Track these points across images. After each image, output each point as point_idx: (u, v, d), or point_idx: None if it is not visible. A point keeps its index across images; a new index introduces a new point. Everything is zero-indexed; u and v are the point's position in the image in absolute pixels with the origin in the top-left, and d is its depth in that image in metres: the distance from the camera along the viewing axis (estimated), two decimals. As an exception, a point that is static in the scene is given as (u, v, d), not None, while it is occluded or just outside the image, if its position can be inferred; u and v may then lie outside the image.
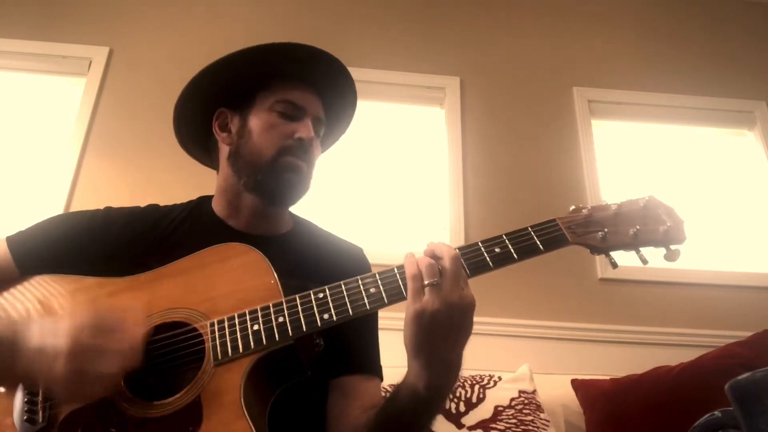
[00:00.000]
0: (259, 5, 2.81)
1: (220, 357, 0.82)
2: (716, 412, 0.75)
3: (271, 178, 1.06)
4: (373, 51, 2.71)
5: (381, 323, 1.12)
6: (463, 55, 2.79)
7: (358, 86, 1.21)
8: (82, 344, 0.74)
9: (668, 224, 0.85)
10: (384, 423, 0.89)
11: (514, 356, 2.01)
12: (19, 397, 0.84)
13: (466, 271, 0.81)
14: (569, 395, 1.89)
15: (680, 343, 2.16)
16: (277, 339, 0.82)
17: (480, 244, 0.85)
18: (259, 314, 0.84)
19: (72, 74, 2.59)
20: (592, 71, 2.80)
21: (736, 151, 2.77)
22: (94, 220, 1.08)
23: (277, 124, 1.08)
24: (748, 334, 1.82)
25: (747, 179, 2.68)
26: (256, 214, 1.11)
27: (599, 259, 2.29)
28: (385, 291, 0.83)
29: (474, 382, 1.81)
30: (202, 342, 0.84)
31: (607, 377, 1.89)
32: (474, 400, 1.75)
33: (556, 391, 1.91)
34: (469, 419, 1.69)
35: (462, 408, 1.72)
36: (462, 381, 1.80)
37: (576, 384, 1.90)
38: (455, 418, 1.69)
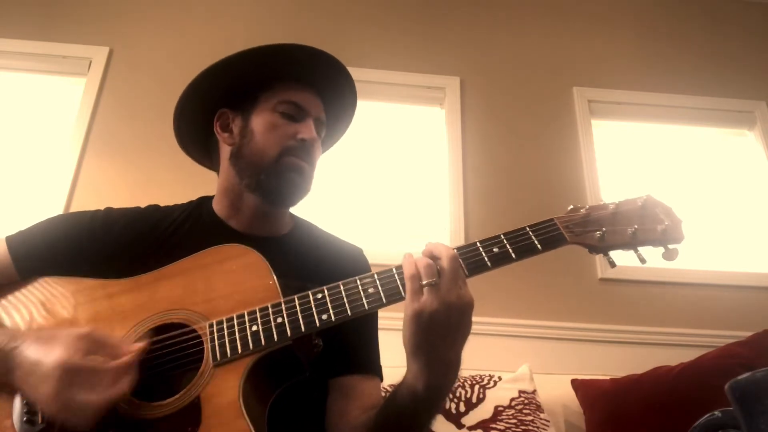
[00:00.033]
0: (259, 5, 2.81)
1: (219, 358, 0.82)
2: (716, 412, 0.75)
3: (274, 179, 1.06)
4: (373, 51, 2.71)
5: (381, 323, 1.12)
6: (463, 55, 2.79)
7: (358, 86, 1.21)
8: (70, 369, 0.74)
9: (666, 223, 0.85)
10: (384, 423, 0.89)
11: (514, 356, 2.01)
12: (18, 399, 0.84)
13: (464, 270, 0.81)
14: (569, 395, 1.89)
15: (680, 343, 2.15)
16: (275, 340, 0.82)
17: (478, 243, 0.85)
18: (258, 315, 0.84)
19: (72, 74, 2.59)
20: (592, 71, 2.80)
21: (736, 151, 2.77)
22: (94, 221, 1.08)
23: (280, 124, 1.08)
24: (748, 334, 1.82)
25: (747, 179, 2.68)
26: (257, 215, 1.11)
27: (599, 259, 2.29)
28: (383, 291, 0.83)
29: (474, 382, 1.81)
30: (202, 343, 0.85)
31: (607, 377, 1.89)
32: (474, 400, 1.75)
33: (556, 391, 1.91)
34: (469, 419, 1.69)
35: (462, 408, 1.72)
36: (462, 381, 1.80)
37: (576, 384, 1.90)
38: (455, 418, 1.69)
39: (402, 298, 0.81)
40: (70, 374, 0.74)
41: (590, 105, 2.71)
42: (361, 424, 0.95)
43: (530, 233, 0.85)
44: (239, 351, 0.82)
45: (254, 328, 0.83)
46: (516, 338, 2.16)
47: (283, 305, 0.84)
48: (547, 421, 1.73)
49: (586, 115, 2.68)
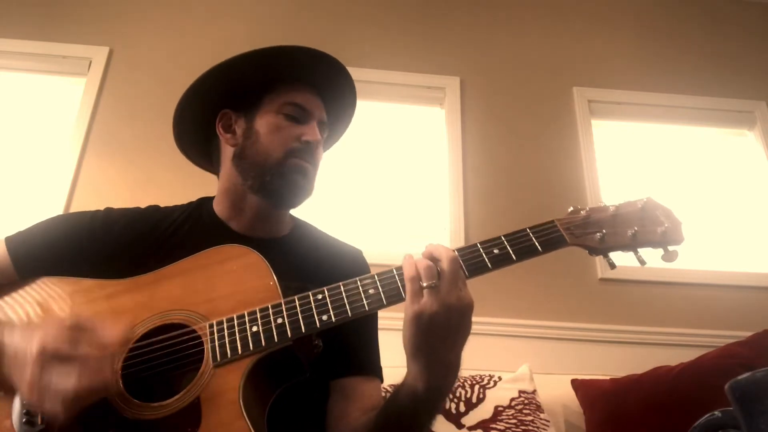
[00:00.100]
0: (259, 5, 2.81)
1: (219, 358, 0.82)
2: (716, 412, 0.75)
3: (279, 180, 1.06)
4: (373, 51, 2.72)
5: (381, 323, 1.12)
6: (463, 55, 2.79)
7: (358, 86, 1.22)
8: (48, 354, 0.73)
9: (666, 225, 0.85)
10: (384, 424, 0.89)
11: (514, 356, 2.01)
12: (18, 399, 0.84)
13: (464, 272, 0.82)
14: (569, 395, 1.89)
15: (680, 343, 2.16)
16: (276, 340, 0.82)
17: (479, 245, 0.85)
18: (258, 316, 0.84)
19: (72, 74, 2.60)
20: (592, 71, 2.80)
21: (736, 151, 2.77)
22: (94, 221, 1.08)
23: (284, 126, 1.09)
24: (748, 334, 1.82)
25: (747, 179, 2.68)
26: (259, 216, 1.12)
27: (599, 260, 2.29)
28: (383, 292, 0.83)
29: (474, 382, 1.81)
30: (202, 343, 0.85)
31: (607, 377, 1.89)
32: (474, 400, 1.75)
33: (556, 391, 1.91)
34: (469, 419, 1.69)
35: (462, 408, 1.72)
36: (462, 381, 1.80)
37: (576, 384, 1.90)
38: (455, 418, 1.69)
39: (402, 299, 0.81)
40: (49, 360, 0.72)
41: (590, 105, 2.71)
42: (361, 426, 0.95)
43: (531, 234, 0.85)
44: (239, 351, 0.82)
45: (254, 328, 0.83)
46: (516, 338, 2.16)
47: (283, 306, 0.84)
48: (547, 421, 1.73)
49: (586, 115, 2.68)
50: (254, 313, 0.85)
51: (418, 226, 2.43)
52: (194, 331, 0.86)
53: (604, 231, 0.86)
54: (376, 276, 0.85)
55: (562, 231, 0.86)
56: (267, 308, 0.84)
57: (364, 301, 0.82)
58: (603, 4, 3.01)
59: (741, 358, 1.68)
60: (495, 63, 2.79)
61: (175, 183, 2.16)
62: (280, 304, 0.84)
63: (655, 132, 2.76)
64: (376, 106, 2.63)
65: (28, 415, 0.81)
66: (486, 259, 0.83)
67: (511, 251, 0.84)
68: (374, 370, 1.08)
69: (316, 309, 0.83)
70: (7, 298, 0.97)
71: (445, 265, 0.78)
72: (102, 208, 1.13)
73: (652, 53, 2.88)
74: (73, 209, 1.96)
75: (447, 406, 1.71)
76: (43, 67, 2.59)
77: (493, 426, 1.66)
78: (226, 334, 0.83)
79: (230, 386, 0.79)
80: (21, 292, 0.98)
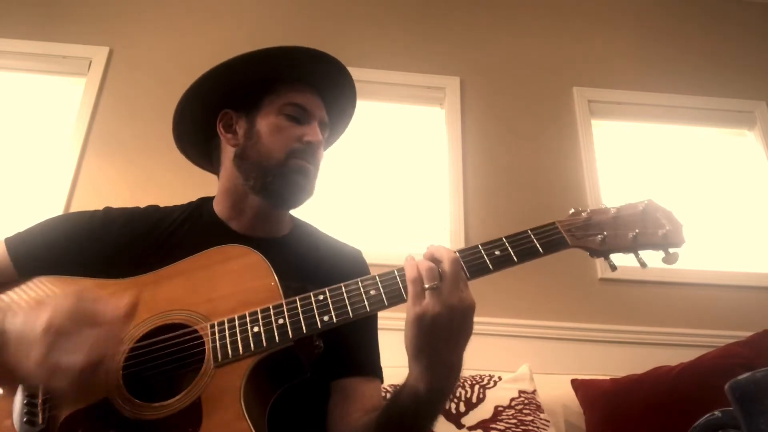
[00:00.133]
0: (260, 5, 2.81)
1: (220, 359, 0.82)
2: (716, 412, 0.75)
3: (280, 181, 1.07)
4: (373, 51, 2.72)
5: (381, 323, 1.12)
6: (463, 55, 2.79)
7: (358, 86, 1.22)
8: (55, 331, 0.72)
9: (667, 228, 0.86)
10: (385, 425, 0.90)
11: (514, 356, 2.01)
12: (18, 399, 0.84)
13: (465, 273, 0.82)
14: (569, 395, 1.89)
15: (680, 343, 2.16)
16: (277, 341, 0.82)
17: (480, 246, 0.85)
18: (260, 316, 0.84)
19: (72, 74, 2.60)
20: (592, 71, 2.80)
21: (736, 151, 2.78)
22: (93, 221, 1.08)
23: (286, 127, 1.09)
24: (748, 334, 1.82)
25: (747, 179, 2.68)
26: (259, 216, 1.12)
27: (599, 260, 2.29)
28: (385, 293, 0.83)
29: (474, 382, 1.81)
30: (203, 344, 0.85)
31: (607, 377, 1.89)
32: (474, 400, 1.75)
33: (556, 391, 1.91)
34: (469, 419, 1.69)
35: (462, 408, 1.72)
36: (462, 381, 1.80)
37: (576, 384, 1.90)
38: (455, 418, 1.69)
39: (403, 300, 0.81)
40: (55, 337, 0.72)
41: (590, 105, 2.72)
42: (362, 426, 0.95)
43: (532, 236, 0.85)
44: (240, 352, 0.82)
45: (255, 329, 0.83)
46: (516, 338, 2.16)
47: (284, 306, 0.84)
48: (547, 421, 1.73)
49: (586, 115, 2.68)
50: (255, 313, 0.84)
51: (418, 226, 2.43)
52: (195, 331, 0.86)
53: (605, 233, 0.86)
54: (377, 277, 0.85)
55: (563, 233, 0.86)
56: (268, 308, 0.84)
57: (366, 302, 0.82)
58: (603, 4, 3.01)
59: (741, 358, 1.68)
60: (495, 63, 2.79)
61: (175, 183, 2.16)
62: (281, 305, 0.84)
63: (655, 132, 2.76)
64: (376, 106, 2.63)
65: (29, 415, 0.82)
66: (487, 261, 0.83)
67: (512, 253, 0.84)
68: (374, 371, 1.08)
69: (317, 309, 0.83)
70: (3, 297, 0.97)
71: (446, 266, 0.78)
72: (102, 208, 1.13)
73: (652, 53, 2.88)
74: (73, 209, 1.96)
75: (447, 406, 1.71)
76: (43, 67, 2.59)
77: (493, 426, 1.66)
78: (227, 335, 0.84)
79: (231, 386, 0.79)
80: (18, 291, 0.98)
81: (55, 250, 1.02)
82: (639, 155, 2.69)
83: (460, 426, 1.67)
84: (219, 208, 1.15)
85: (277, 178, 1.06)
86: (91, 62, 2.58)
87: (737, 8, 3.05)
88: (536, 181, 2.51)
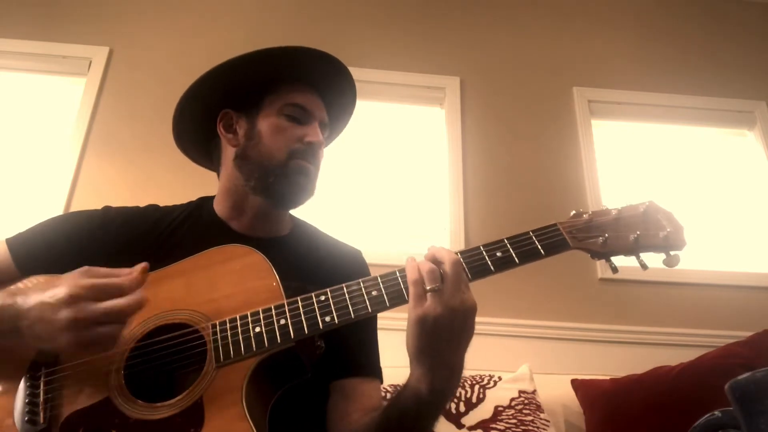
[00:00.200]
0: (260, 5, 2.81)
1: (222, 359, 0.82)
2: (716, 412, 0.75)
3: (282, 181, 1.07)
4: (373, 51, 2.72)
5: (381, 324, 1.12)
6: (463, 55, 2.79)
7: (358, 86, 1.22)
8: (83, 291, 0.75)
9: (668, 230, 0.86)
10: (386, 426, 0.90)
11: (514, 356, 2.01)
12: (20, 398, 0.84)
13: (467, 274, 0.82)
14: (569, 395, 1.89)
15: (680, 343, 2.16)
16: (278, 341, 0.82)
17: (481, 247, 0.85)
18: (261, 316, 0.84)
19: (72, 74, 2.59)
20: (592, 71, 2.81)
21: (736, 151, 2.78)
22: (92, 221, 1.08)
23: (286, 127, 1.09)
24: (748, 334, 1.82)
25: (747, 179, 2.68)
26: (260, 216, 1.12)
27: (599, 261, 2.29)
28: (386, 294, 0.83)
29: (474, 382, 1.81)
30: (204, 344, 0.85)
31: (607, 377, 1.89)
32: (474, 400, 1.75)
33: (556, 391, 1.91)
34: (469, 419, 1.69)
35: (462, 408, 1.72)
36: (462, 381, 1.80)
37: (576, 384, 1.90)
38: (455, 418, 1.69)
39: (405, 302, 0.81)
40: (82, 299, 0.75)
41: (590, 105, 2.72)
42: (362, 427, 0.95)
43: (533, 238, 0.85)
44: (242, 352, 0.82)
45: (257, 329, 0.83)
46: (516, 338, 2.16)
47: (286, 307, 0.84)
48: (547, 421, 1.73)
49: (586, 115, 2.68)
50: (257, 313, 0.85)
51: (418, 226, 2.43)
52: (197, 331, 0.86)
53: (606, 235, 0.86)
54: (379, 277, 0.85)
55: (564, 234, 0.86)
56: (270, 309, 0.85)
57: (367, 303, 0.83)
58: (603, 4, 3.01)
59: (741, 358, 1.68)
60: (495, 63, 2.79)
61: (175, 183, 2.16)
62: (283, 305, 0.85)
63: (655, 132, 2.77)
64: (376, 106, 2.63)
65: (31, 414, 0.82)
66: (489, 262, 0.83)
67: (513, 254, 0.84)
68: (374, 371, 1.08)
69: (319, 310, 0.83)
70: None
71: (447, 268, 0.78)
72: (101, 208, 1.13)
73: (652, 53, 2.88)
74: (73, 209, 1.95)
75: (447, 406, 1.71)
76: (43, 67, 2.59)
77: (493, 426, 1.66)
78: (229, 335, 0.84)
79: (233, 387, 0.79)
80: (13, 288, 0.98)
81: (55, 251, 1.03)
82: (639, 155, 2.69)
83: (460, 426, 1.67)
84: (219, 207, 1.15)
85: (278, 179, 1.07)
86: (91, 62, 2.58)
87: (737, 8, 3.05)
88: (536, 181, 2.51)
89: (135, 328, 0.88)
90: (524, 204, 2.43)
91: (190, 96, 1.13)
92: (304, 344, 0.84)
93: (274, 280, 0.89)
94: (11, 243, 1.03)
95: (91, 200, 2.19)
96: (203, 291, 0.91)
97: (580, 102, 2.70)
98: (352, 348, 1.05)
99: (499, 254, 0.84)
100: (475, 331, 0.81)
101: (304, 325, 0.82)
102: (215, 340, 0.84)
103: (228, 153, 1.14)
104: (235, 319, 0.85)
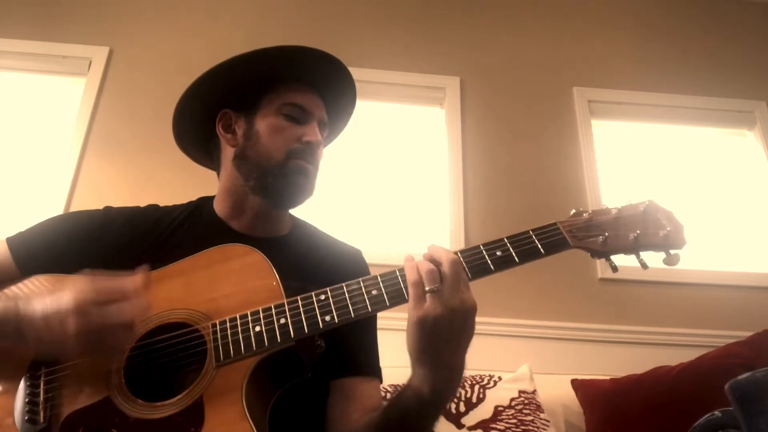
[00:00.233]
0: (260, 5, 2.81)
1: (222, 358, 0.82)
2: (716, 412, 0.75)
3: (281, 181, 1.07)
4: (373, 51, 2.72)
5: (381, 324, 1.12)
6: (463, 55, 2.79)
7: (358, 86, 1.22)
8: (90, 299, 0.76)
9: (668, 229, 0.86)
10: (387, 426, 0.90)
11: (514, 356, 2.01)
12: (20, 397, 0.84)
13: (467, 274, 0.82)
14: (569, 395, 1.89)
15: (680, 343, 2.16)
16: (278, 340, 0.82)
17: (481, 246, 0.85)
18: (261, 315, 0.84)
19: (72, 74, 2.59)
20: (592, 71, 2.81)
21: (736, 151, 2.78)
22: (93, 221, 1.08)
23: (285, 127, 1.09)
24: (748, 334, 1.82)
25: (747, 179, 2.68)
26: (259, 216, 1.12)
27: (599, 261, 2.29)
28: (386, 293, 0.83)
29: (474, 382, 1.81)
30: (204, 343, 0.85)
31: (607, 377, 1.89)
32: (474, 400, 1.75)
33: (556, 391, 1.91)
34: (469, 419, 1.69)
35: (462, 408, 1.72)
36: (462, 381, 1.80)
37: (576, 384, 1.90)
38: (455, 418, 1.69)
39: (405, 301, 0.81)
40: (90, 307, 0.75)
41: (590, 105, 2.72)
42: (362, 426, 0.95)
43: (533, 237, 0.85)
44: (242, 351, 0.82)
45: (257, 328, 0.83)
46: (516, 338, 2.16)
47: (286, 306, 0.84)
48: (547, 421, 1.73)
49: (586, 115, 2.68)
50: (257, 313, 0.85)
51: (418, 226, 2.43)
52: (197, 331, 0.86)
53: (606, 234, 0.86)
54: (379, 277, 0.85)
55: (564, 233, 0.86)
56: (270, 308, 0.85)
57: (367, 302, 0.83)
58: (603, 4, 3.01)
59: (741, 358, 1.68)
60: (495, 63, 2.79)
61: (175, 183, 2.16)
62: (282, 305, 0.85)
63: (655, 132, 2.76)
64: (376, 106, 2.63)
65: (31, 413, 0.82)
66: (489, 261, 0.83)
67: (513, 253, 0.84)
68: (374, 371, 1.08)
69: (319, 309, 0.83)
70: (6, 291, 0.97)
71: (446, 268, 0.78)
72: (102, 207, 1.13)
73: (652, 53, 2.88)
74: (73, 209, 1.95)
75: (448, 406, 1.71)
76: (43, 67, 2.59)
77: (493, 426, 1.66)
78: (229, 334, 0.84)
79: (233, 386, 0.79)
80: (14, 289, 0.98)
81: (55, 250, 1.03)
82: (639, 155, 2.69)
83: (460, 426, 1.67)
84: (219, 207, 1.15)
85: (277, 179, 1.07)
86: (91, 62, 2.58)
87: (737, 8, 3.05)
88: (536, 181, 2.51)
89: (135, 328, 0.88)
90: (524, 204, 2.43)
91: (190, 96, 1.13)
92: (304, 343, 0.84)
93: (274, 279, 0.89)
94: (11, 242, 1.04)
95: (91, 200, 2.19)
96: (203, 290, 0.91)
97: (580, 102, 2.70)
98: (351, 347, 1.05)
99: (498, 253, 0.84)
100: (475, 331, 0.81)
101: (304, 325, 0.82)
102: (215, 340, 0.84)
103: (227, 153, 1.14)
104: (235, 319, 0.85)
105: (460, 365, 0.82)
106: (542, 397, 1.81)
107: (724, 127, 2.80)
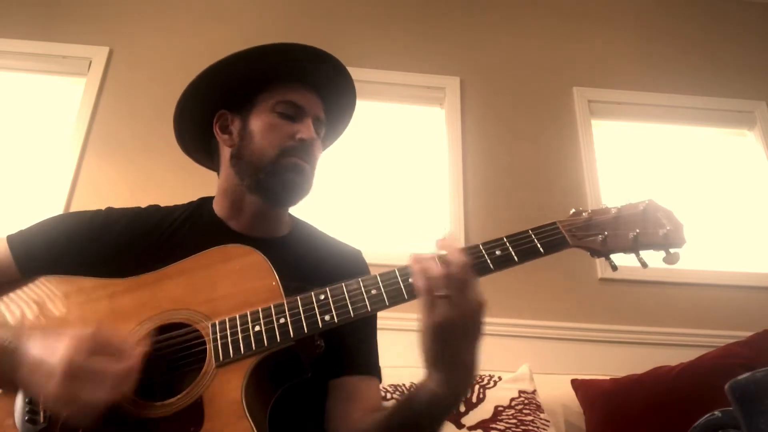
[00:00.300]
0: (260, 5, 2.81)
1: (221, 358, 0.82)
2: (716, 412, 0.75)
3: (274, 179, 1.06)
4: (373, 51, 2.72)
5: (381, 323, 1.12)
6: (463, 55, 2.79)
7: (358, 86, 1.21)
8: (76, 367, 0.73)
9: (668, 228, 0.85)
10: (398, 427, 0.90)
11: (514, 356, 2.01)
12: (20, 398, 0.84)
13: None
14: (569, 395, 1.89)
15: (680, 343, 2.16)
16: (278, 340, 0.82)
17: (481, 246, 0.85)
18: (261, 315, 0.84)
19: (72, 74, 2.60)
20: (592, 71, 2.81)
21: (736, 151, 2.78)
22: (94, 221, 1.08)
23: (278, 124, 1.08)
24: (748, 334, 1.83)
25: (747, 179, 2.68)
26: (257, 216, 1.12)
27: (600, 260, 2.29)
28: (386, 292, 0.83)
29: (474, 382, 1.81)
30: (204, 343, 0.85)
31: (607, 377, 1.89)
32: (474, 400, 1.75)
33: (556, 391, 1.91)
34: (469, 419, 1.69)
35: (462, 408, 1.72)
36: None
37: (576, 384, 1.90)
38: (455, 418, 1.69)
39: (405, 300, 0.81)
40: (75, 372, 0.73)
41: (590, 105, 2.72)
42: (366, 427, 0.95)
43: (533, 236, 0.85)
44: (242, 351, 0.82)
45: (257, 328, 0.83)
46: (516, 338, 2.16)
47: (285, 306, 0.84)
48: (547, 421, 1.73)
49: (586, 115, 2.68)
50: (256, 312, 0.85)
51: (418, 226, 2.43)
52: (196, 331, 0.86)
53: (605, 233, 0.86)
54: (378, 276, 0.85)
55: (564, 233, 0.86)
56: (269, 308, 0.85)
57: (367, 302, 0.82)
58: (603, 4, 3.01)
59: (741, 358, 1.68)
60: (495, 63, 2.79)
61: (175, 183, 2.16)
62: (282, 304, 0.85)
63: (655, 132, 2.76)
64: (376, 106, 2.63)
65: (31, 414, 0.82)
66: (488, 260, 0.83)
67: (513, 252, 0.84)
68: (373, 370, 1.08)
69: (318, 309, 0.83)
70: (4, 298, 0.97)
71: (455, 271, 0.76)
72: (102, 208, 1.13)
73: (652, 53, 2.88)
74: (73, 209, 1.96)
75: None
76: (43, 67, 2.59)
77: (493, 426, 1.66)
78: (228, 334, 0.84)
79: (233, 386, 0.79)
80: (19, 292, 0.98)
81: (55, 250, 1.02)
82: (639, 155, 2.69)
83: (460, 426, 1.67)
84: (218, 207, 1.15)
85: (269, 176, 1.06)
86: (91, 62, 2.58)
87: (737, 8, 3.05)
88: (536, 181, 2.51)
89: (135, 327, 0.89)
90: (524, 204, 2.43)
91: (189, 96, 1.13)
92: (304, 343, 0.84)
93: (274, 279, 0.89)
94: (11, 240, 1.03)
95: (91, 200, 2.19)
96: (203, 291, 0.91)
97: (580, 102, 2.70)
98: (351, 347, 1.04)
99: (498, 252, 0.84)
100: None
101: (304, 324, 0.82)
102: (215, 340, 0.84)
103: (225, 153, 1.14)
104: (234, 319, 0.85)
105: (474, 362, 0.81)
106: (542, 397, 1.81)
107: (724, 127, 2.80)
